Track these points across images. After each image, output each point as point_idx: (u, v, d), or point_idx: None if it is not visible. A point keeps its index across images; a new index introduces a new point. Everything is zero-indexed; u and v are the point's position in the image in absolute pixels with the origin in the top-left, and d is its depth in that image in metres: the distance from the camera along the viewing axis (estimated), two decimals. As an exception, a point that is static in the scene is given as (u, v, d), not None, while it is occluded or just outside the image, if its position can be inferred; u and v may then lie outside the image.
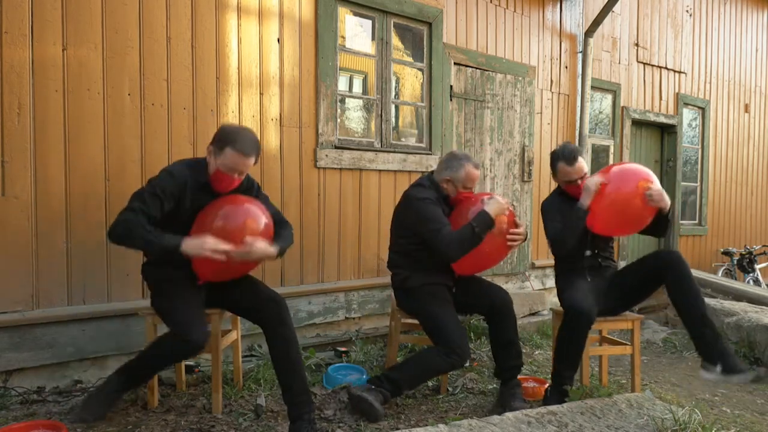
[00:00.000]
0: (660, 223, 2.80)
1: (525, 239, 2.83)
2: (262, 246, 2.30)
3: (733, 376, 2.59)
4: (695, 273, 5.79)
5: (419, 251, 2.82)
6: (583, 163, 2.94)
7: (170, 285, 2.39)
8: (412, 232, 2.81)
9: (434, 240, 2.65)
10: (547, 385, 2.96)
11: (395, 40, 4.20)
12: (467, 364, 3.47)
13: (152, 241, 2.19)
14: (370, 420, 2.57)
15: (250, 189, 2.57)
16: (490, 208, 2.64)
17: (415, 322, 3.14)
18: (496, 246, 2.77)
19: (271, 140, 3.51)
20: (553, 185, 3.21)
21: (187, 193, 2.33)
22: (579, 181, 2.90)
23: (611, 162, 6.11)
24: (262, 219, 2.39)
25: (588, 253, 2.99)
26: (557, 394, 2.73)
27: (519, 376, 2.87)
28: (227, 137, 2.32)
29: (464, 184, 2.84)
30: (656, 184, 2.71)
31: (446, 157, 2.94)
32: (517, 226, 2.76)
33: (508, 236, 2.74)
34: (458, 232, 2.63)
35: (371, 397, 2.58)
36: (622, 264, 4.15)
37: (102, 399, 2.35)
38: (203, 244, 2.18)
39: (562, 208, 2.93)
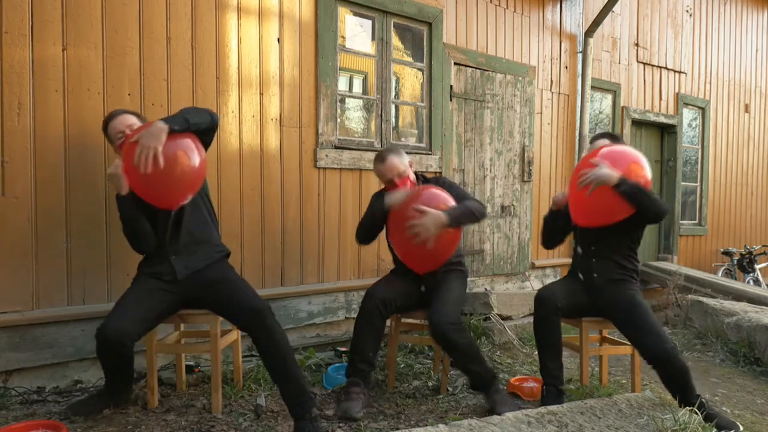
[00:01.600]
0: (633, 205, 2.59)
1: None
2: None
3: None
4: (695, 273, 5.84)
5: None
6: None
7: (136, 280, 2.48)
8: None
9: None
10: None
11: (395, 40, 4.20)
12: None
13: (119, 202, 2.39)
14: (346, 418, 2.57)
15: None
16: (390, 198, 2.79)
17: (416, 321, 3.15)
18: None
19: (271, 140, 3.52)
20: (553, 185, 3.22)
21: None
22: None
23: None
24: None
25: (579, 250, 2.92)
26: (553, 390, 2.73)
27: (519, 376, 2.87)
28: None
29: (384, 180, 2.91)
30: (596, 169, 2.56)
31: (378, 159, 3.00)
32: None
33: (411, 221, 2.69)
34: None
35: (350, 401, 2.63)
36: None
37: (91, 401, 2.47)
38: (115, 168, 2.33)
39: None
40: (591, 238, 2.84)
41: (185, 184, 2.36)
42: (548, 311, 2.77)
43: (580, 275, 2.91)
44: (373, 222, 2.90)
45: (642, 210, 2.60)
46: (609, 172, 2.55)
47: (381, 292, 2.81)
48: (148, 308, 2.36)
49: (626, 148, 2.78)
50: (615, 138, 2.94)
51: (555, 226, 3.03)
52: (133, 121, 2.47)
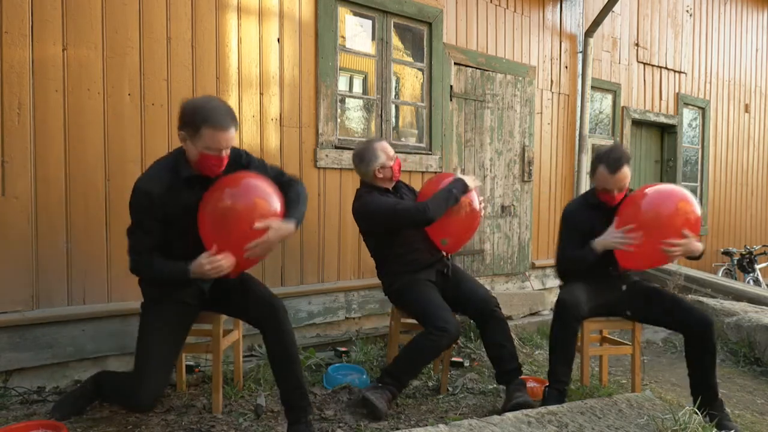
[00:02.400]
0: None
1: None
2: (277, 228, 2.14)
3: None
4: (695, 273, 5.84)
5: (391, 251, 2.90)
6: (627, 172, 2.71)
7: (161, 310, 2.28)
8: (373, 232, 2.94)
9: (400, 215, 2.75)
10: (546, 384, 2.96)
11: (395, 40, 4.20)
12: (466, 364, 3.47)
13: (164, 275, 2.19)
14: (372, 420, 2.57)
15: (239, 160, 2.32)
16: (466, 178, 2.82)
17: (416, 321, 3.14)
18: (469, 218, 2.89)
19: (271, 140, 3.51)
20: (553, 185, 3.21)
21: (171, 198, 2.14)
22: (615, 193, 2.73)
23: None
24: (271, 195, 2.18)
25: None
26: (555, 393, 2.73)
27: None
28: (198, 115, 2.08)
29: (390, 157, 2.91)
30: (687, 244, 2.54)
31: (358, 156, 2.95)
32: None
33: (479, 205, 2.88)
34: (433, 196, 2.76)
35: (374, 396, 2.59)
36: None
37: (72, 402, 2.44)
38: (203, 267, 2.11)
39: (583, 219, 2.85)
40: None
41: (252, 265, 2.37)
42: (570, 317, 2.73)
43: (596, 281, 2.87)
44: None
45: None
46: (698, 247, 2.60)
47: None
48: (177, 353, 2.36)
49: (672, 187, 2.74)
50: (619, 160, 2.71)
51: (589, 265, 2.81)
52: (234, 138, 2.19)
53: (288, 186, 2.35)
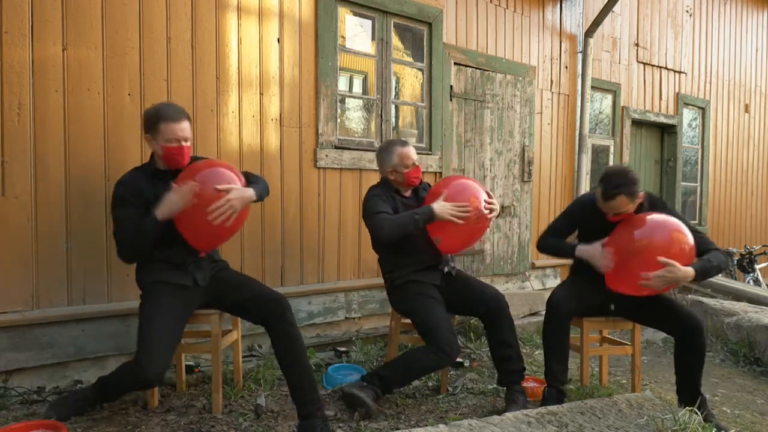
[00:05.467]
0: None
1: (499, 211, 2.96)
2: (240, 189, 2.35)
3: None
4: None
5: (393, 247, 2.86)
6: (624, 202, 2.58)
7: (160, 292, 2.37)
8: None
9: (370, 224, 2.76)
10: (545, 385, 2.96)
11: (395, 40, 4.20)
12: (466, 364, 3.47)
13: (141, 234, 2.28)
14: (364, 416, 2.58)
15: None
16: (438, 207, 2.70)
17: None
18: (476, 223, 2.82)
19: (271, 140, 3.51)
20: (553, 185, 3.21)
21: (145, 188, 2.38)
22: (610, 216, 2.68)
23: (611, 162, 6.11)
24: (232, 170, 2.44)
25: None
26: (554, 392, 2.73)
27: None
28: (154, 116, 2.40)
29: (405, 165, 2.88)
30: (672, 274, 2.44)
31: (378, 151, 3.01)
32: (489, 196, 2.83)
33: (486, 206, 2.78)
34: (396, 216, 2.74)
35: (363, 393, 2.60)
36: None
37: (72, 403, 2.44)
38: (170, 202, 2.25)
39: (586, 214, 2.86)
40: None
41: (224, 240, 2.54)
42: (560, 315, 2.76)
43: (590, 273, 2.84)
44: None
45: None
46: (686, 273, 2.46)
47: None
48: (178, 334, 2.37)
49: (664, 218, 2.63)
50: (615, 189, 2.60)
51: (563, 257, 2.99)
52: (189, 130, 2.46)
53: (253, 177, 2.58)
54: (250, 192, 2.40)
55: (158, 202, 2.30)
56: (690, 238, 2.57)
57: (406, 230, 2.70)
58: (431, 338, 2.66)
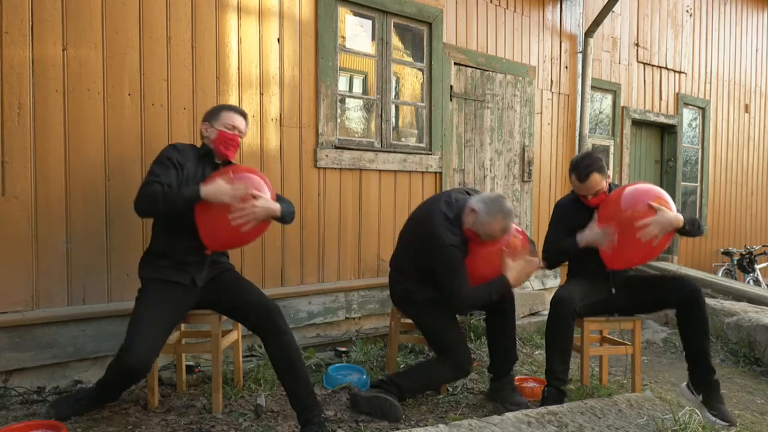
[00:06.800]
0: (688, 236, 2.79)
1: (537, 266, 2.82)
2: (269, 200, 2.39)
3: (710, 412, 2.69)
4: (695, 273, 5.84)
5: (431, 275, 2.76)
6: (598, 179, 2.77)
7: (156, 287, 2.39)
8: (431, 268, 2.73)
9: (452, 293, 2.64)
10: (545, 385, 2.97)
11: (395, 40, 4.20)
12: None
13: (172, 197, 2.25)
14: (390, 419, 2.58)
15: None
16: (511, 275, 2.67)
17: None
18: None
19: (271, 140, 3.51)
20: (553, 185, 3.22)
21: (191, 159, 2.46)
22: (590, 197, 2.82)
23: (611, 162, 6.11)
24: (265, 186, 2.48)
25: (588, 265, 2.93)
26: (554, 391, 2.73)
27: (519, 377, 2.88)
28: (218, 107, 2.60)
29: (486, 238, 2.68)
30: (659, 216, 2.61)
31: (487, 202, 2.66)
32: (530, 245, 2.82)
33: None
34: (476, 290, 2.65)
35: (391, 397, 2.62)
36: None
37: (72, 403, 2.44)
38: (220, 187, 2.26)
39: (571, 213, 2.94)
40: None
41: (234, 246, 2.61)
42: (566, 313, 2.77)
43: (590, 280, 2.93)
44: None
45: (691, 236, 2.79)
46: (677, 216, 2.65)
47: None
48: (167, 328, 2.36)
49: (635, 185, 2.83)
50: (587, 168, 2.78)
51: (570, 255, 2.99)
52: (245, 127, 2.63)
53: (281, 197, 2.62)
54: (277, 206, 2.41)
55: (194, 181, 2.37)
56: (665, 193, 2.76)
57: (483, 301, 2.72)
58: (452, 355, 2.74)
